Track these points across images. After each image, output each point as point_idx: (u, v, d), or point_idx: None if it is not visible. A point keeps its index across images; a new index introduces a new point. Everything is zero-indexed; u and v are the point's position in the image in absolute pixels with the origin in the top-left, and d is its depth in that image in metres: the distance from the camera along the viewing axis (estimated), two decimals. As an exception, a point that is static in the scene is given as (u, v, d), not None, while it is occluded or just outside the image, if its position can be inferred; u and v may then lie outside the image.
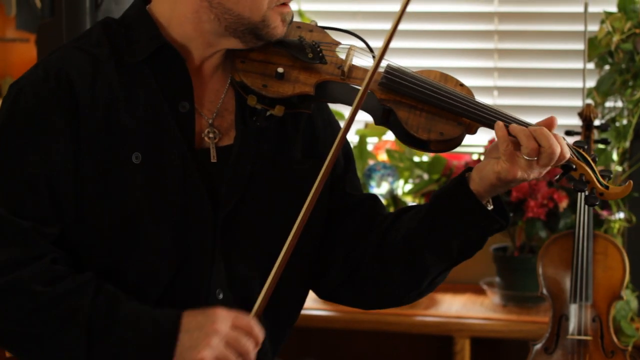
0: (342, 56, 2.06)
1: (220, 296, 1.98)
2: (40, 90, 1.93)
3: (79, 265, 1.93)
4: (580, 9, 3.29)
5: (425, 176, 3.67)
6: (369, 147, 3.76)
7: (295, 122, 2.08)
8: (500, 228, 2.02)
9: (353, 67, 2.04)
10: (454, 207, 2.00)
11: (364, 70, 2.04)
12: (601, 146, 3.21)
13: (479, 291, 3.67)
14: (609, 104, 3.35)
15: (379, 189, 3.64)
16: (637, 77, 3.26)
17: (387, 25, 3.91)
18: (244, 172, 2.01)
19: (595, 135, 3.06)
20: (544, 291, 3.05)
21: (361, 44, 2.11)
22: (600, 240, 3.03)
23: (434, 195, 2.08)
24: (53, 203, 1.91)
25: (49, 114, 1.92)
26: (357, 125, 3.84)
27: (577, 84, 3.63)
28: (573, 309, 2.99)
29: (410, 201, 3.65)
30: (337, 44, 2.08)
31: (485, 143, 3.61)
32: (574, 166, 1.99)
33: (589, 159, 2.01)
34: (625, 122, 3.30)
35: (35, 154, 1.91)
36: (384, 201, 3.64)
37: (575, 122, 3.17)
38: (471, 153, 3.72)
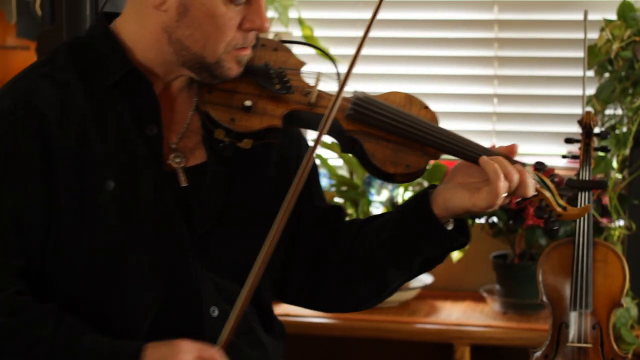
0: (309, 80, 2.04)
1: (215, 313, 1.97)
2: (8, 121, 1.90)
3: (59, 297, 1.91)
4: (580, 16, 3.29)
5: (425, 183, 3.67)
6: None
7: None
8: (462, 245, 2.04)
9: (320, 95, 2.02)
10: (415, 228, 2.01)
11: (332, 97, 2.00)
12: (601, 154, 3.21)
13: (479, 298, 3.67)
14: (608, 111, 3.35)
15: (379, 196, 3.64)
16: (637, 84, 3.26)
17: (387, 33, 3.92)
18: (219, 195, 2.00)
19: (595, 142, 3.06)
20: (544, 298, 3.05)
21: (328, 68, 2.10)
22: (600, 248, 3.03)
23: (397, 212, 2.08)
24: (19, 236, 1.88)
25: (17, 146, 1.89)
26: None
27: (577, 91, 3.63)
28: (573, 317, 2.99)
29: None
30: (302, 64, 2.07)
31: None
32: (535, 192, 1.99)
33: (547, 181, 2.01)
34: (625, 129, 3.30)
35: (2, 187, 1.89)
36: (384, 209, 3.64)
37: (575, 129, 3.17)
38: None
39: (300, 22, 3.90)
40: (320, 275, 2.13)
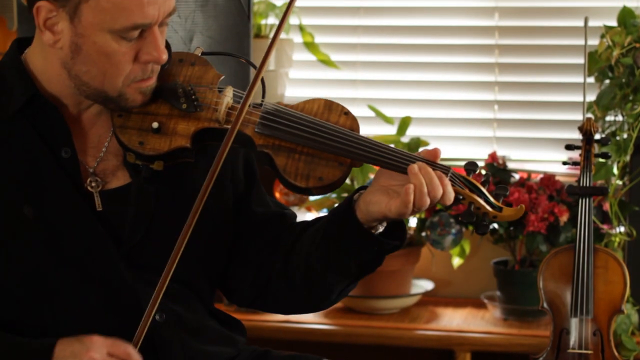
0: (226, 97, 2.00)
1: (162, 317, 1.99)
2: None
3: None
4: (580, 23, 3.29)
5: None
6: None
7: None
8: (395, 248, 2.01)
9: (230, 110, 1.99)
10: (343, 235, 1.99)
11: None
12: (602, 160, 3.21)
13: (480, 305, 3.66)
14: (609, 118, 3.35)
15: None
16: (637, 91, 3.26)
17: (387, 39, 3.92)
18: (144, 215, 2.01)
19: (596, 149, 3.06)
20: (545, 305, 3.05)
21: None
22: (600, 254, 3.03)
23: (326, 218, 2.07)
24: None
25: None
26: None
27: (578, 98, 3.63)
28: (574, 323, 2.98)
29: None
30: (219, 77, 2.04)
31: (486, 157, 3.61)
32: (461, 197, 1.95)
33: (477, 184, 1.96)
34: (625, 136, 3.30)
35: None
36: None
37: (576, 136, 3.17)
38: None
39: (301, 28, 3.91)
40: (265, 280, 2.13)
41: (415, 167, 1.92)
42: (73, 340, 1.86)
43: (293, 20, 3.89)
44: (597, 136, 3.09)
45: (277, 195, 3.70)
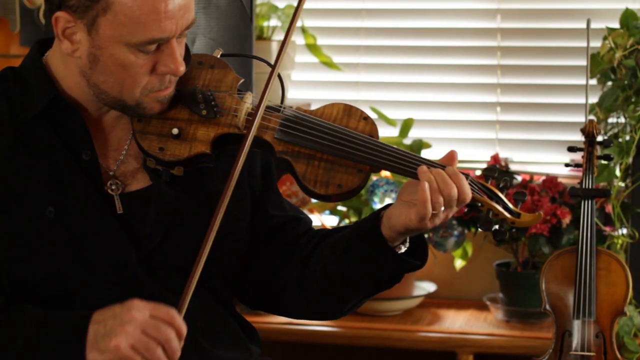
0: (245, 103, 1.99)
1: None
2: None
3: None
4: (582, 25, 3.29)
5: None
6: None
7: None
8: (415, 267, 2.01)
9: (249, 117, 1.99)
10: (365, 251, 1.99)
11: (262, 117, 1.98)
12: (604, 162, 3.21)
13: (482, 307, 3.66)
14: (611, 120, 3.35)
15: (382, 205, 3.64)
16: (640, 93, 3.27)
17: (389, 42, 3.92)
18: (164, 219, 2.01)
19: (598, 151, 3.06)
20: (547, 307, 3.04)
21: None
22: (603, 256, 3.03)
23: (350, 230, 2.06)
24: None
25: None
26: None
27: (580, 100, 3.64)
28: (576, 325, 2.98)
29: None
30: (238, 80, 2.04)
31: (488, 159, 3.61)
32: (479, 204, 1.93)
33: (495, 190, 1.95)
34: (627, 138, 3.30)
35: None
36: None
37: (578, 138, 3.17)
38: (474, 169, 3.72)
39: (304, 30, 3.91)
40: (281, 285, 2.13)
41: (424, 166, 1.92)
42: (113, 306, 1.85)
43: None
44: (600, 138, 3.08)
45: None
